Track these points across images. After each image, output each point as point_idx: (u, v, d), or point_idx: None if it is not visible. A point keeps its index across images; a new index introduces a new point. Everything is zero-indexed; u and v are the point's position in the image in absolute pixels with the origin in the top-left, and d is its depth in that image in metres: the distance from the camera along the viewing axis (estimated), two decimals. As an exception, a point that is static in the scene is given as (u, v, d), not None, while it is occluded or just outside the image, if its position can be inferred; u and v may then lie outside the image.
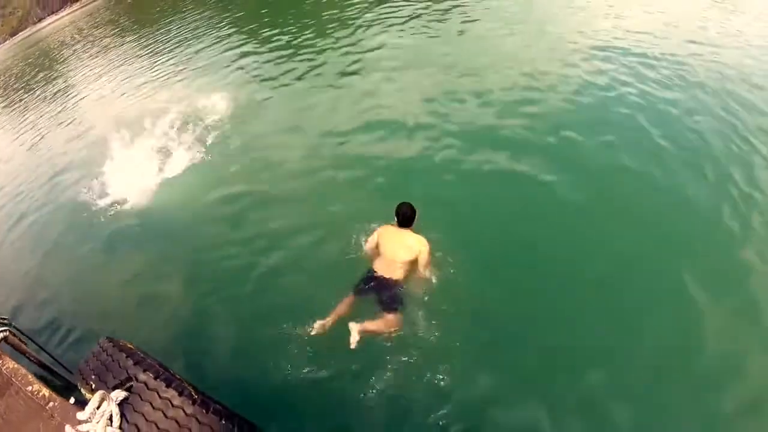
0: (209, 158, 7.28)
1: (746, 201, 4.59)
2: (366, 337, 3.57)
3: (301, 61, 10.58)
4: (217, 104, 8.99)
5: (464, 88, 7.32)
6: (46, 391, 2.88)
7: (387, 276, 3.83)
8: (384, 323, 3.67)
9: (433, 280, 4.00)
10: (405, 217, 3.92)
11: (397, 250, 3.90)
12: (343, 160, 6.35)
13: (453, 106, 6.92)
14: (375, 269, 3.93)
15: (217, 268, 5.20)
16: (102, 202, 7.10)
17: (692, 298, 3.75)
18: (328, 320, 3.70)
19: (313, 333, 3.65)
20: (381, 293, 3.79)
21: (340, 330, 3.69)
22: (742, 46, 7.71)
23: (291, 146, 7.04)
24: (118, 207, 6.87)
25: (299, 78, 9.62)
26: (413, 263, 3.91)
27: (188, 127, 8.36)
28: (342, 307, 3.80)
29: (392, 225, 4.07)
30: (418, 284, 3.97)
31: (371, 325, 3.61)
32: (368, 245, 4.17)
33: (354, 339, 3.45)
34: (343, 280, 4.10)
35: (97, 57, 20.79)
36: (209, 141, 7.76)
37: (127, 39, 21.93)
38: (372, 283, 3.85)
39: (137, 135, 8.55)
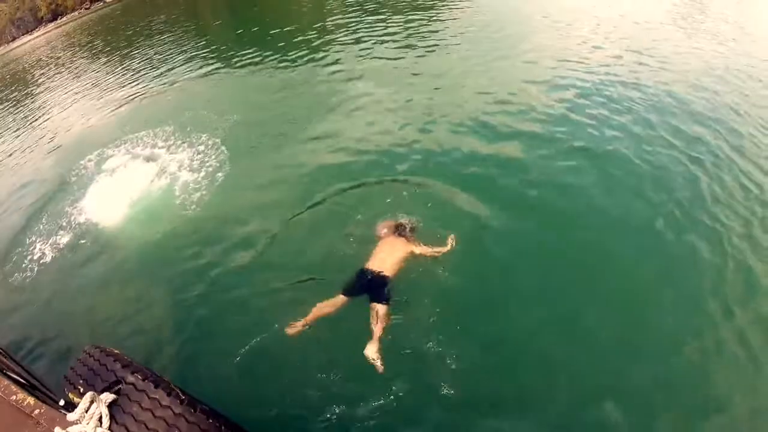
0: (186, 177, 7.32)
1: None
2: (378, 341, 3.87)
3: (272, 78, 10.95)
4: (191, 125, 9.10)
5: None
6: (31, 400, 2.88)
7: (376, 270, 4.28)
8: (380, 320, 3.96)
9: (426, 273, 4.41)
10: (400, 228, 4.74)
11: (388, 252, 4.45)
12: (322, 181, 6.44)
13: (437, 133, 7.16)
14: (365, 267, 4.30)
15: (196, 282, 5.23)
16: (77, 221, 7.10)
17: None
18: (304, 321, 4.03)
19: (289, 333, 3.96)
20: (371, 285, 4.20)
21: (326, 337, 3.88)
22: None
23: (272, 164, 7.21)
24: (93, 225, 6.89)
25: (271, 93, 9.93)
26: (401, 263, 4.39)
27: (164, 147, 8.46)
28: (326, 308, 4.07)
29: (392, 235, 4.72)
30: (405, 280, 4.35)
31: (376, 333, 3.91)
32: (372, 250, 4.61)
33: (376, 359, 3.77)
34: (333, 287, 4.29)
35: (70, 76, 20.71)
36: (183, 161, 7.79)
37: (101, 59, 22.02)
38: (362, 278, 4.25)
39: (112, 155, 8.70)
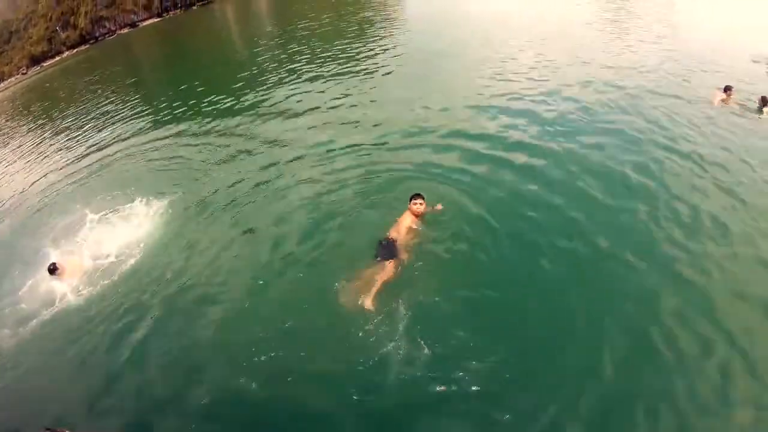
0: (130, 250, 7.18)
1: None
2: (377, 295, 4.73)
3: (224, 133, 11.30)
4: (129, 189, 9.10)
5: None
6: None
7: (387, 236, 5.50)
8: (383, 274, 4.96)
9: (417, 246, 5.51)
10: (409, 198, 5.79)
11: (399, 222, 5.65)
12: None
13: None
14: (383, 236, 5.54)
15: (149, 355, 5.25)
16: (21, 300, 6.90)
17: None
18: (374, 292, 4.77)
19: (369, 308, 4.64)
20: (384, 247, 5.35)
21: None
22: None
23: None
24: (40, 304, 6.65)
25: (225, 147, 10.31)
26: (407, 232, 5.51)
27: (103, 214, 8.37)
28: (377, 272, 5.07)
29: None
30: (408, 246, 5.45)
31: (375, 286, 4.79)
32: None
33: (368, 305, 4.63)
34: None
35: (3, 144, 20.26)
36: (121, 230, 7.70)
37: (38, 125, 21.38)
38: (381, 243, 5.42)
39: (52, 227, 8.61)
